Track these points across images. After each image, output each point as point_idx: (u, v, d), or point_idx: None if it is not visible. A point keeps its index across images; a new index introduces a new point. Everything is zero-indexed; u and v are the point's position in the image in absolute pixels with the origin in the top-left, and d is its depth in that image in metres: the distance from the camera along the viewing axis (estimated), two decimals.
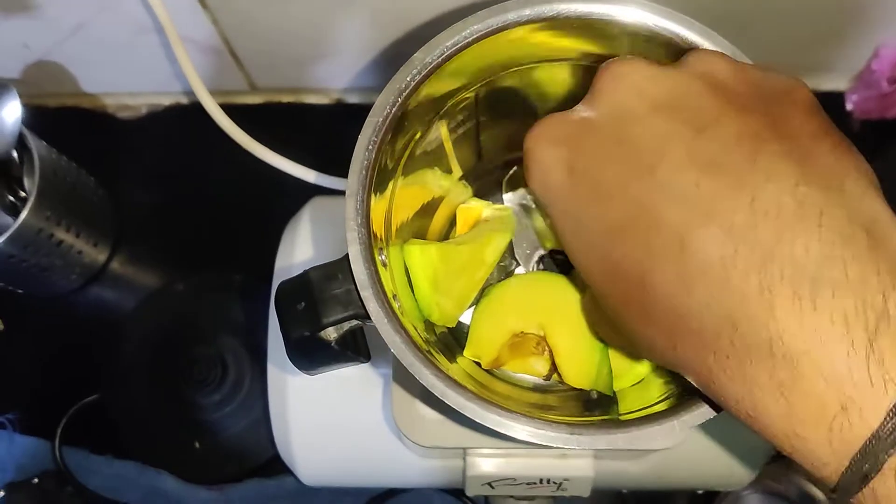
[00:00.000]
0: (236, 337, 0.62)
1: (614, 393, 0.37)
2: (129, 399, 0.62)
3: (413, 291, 0.36)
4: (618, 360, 0.37)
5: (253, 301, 0.62)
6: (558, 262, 0.40)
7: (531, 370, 0.38)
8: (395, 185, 0.35)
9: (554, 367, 0.38)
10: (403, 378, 0.42)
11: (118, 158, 0.66)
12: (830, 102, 0.64)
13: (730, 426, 0.47)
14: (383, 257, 0.33)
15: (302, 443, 0.50)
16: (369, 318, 0.31)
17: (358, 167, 0.31)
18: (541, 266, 0.40)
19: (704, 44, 0.32)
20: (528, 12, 0.33)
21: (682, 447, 0.48)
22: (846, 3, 0.53)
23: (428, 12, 0.52)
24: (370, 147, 0.32)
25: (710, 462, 0.49)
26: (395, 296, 0.32)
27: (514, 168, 0.41)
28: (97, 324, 0.64)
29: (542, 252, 0.40)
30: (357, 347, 0.36)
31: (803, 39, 0.59)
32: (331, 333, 0.33)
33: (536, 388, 0.39)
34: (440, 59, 0.33)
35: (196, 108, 0.63)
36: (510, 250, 0.41)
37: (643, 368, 0.37)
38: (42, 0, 0.54)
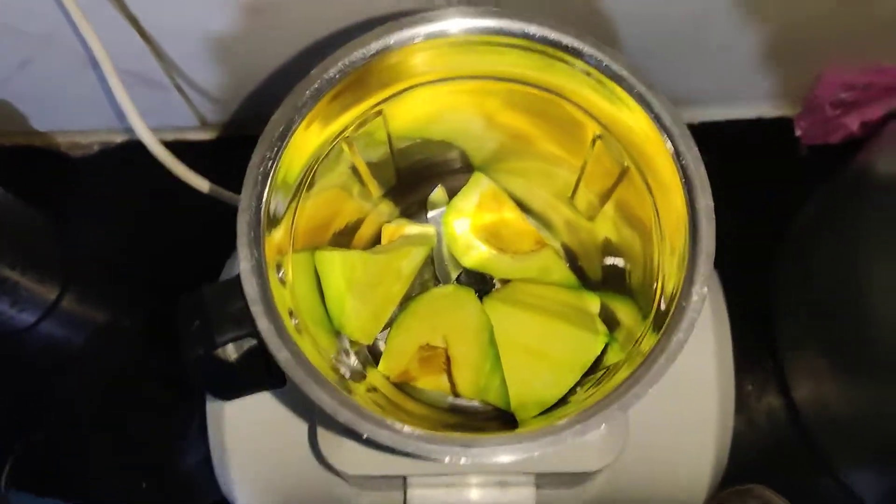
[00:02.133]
0: (184, 374, 0.61)
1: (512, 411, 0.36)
2: (76, 438, 0.61)
3: (324, 302, 0.36)
4: (522, 388, 0.36)
5: None
6: (474, 279, 0.40)
7: (440, 385, 0.38)
8: (298, 202, 0.35)
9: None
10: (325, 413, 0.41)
11: (70, 196, 0.66)
12: (780, 128, 0.64)
13: (673, 453, 0.47)
14: (281, 274, 0.32)
15: (241, 476, 0.49)
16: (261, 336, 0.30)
17: (251, 183, 0.31)
18: (460, 283, 0.40)
19: (581, 46, 0.32)
20: (422, 28, 0.33)
21: (626, 474, 0.47)
22: (788, 33, 0.53)
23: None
24: (266, 160, 0.31)
25: (656, 489, 0.48)
26: (291, 312, 0.31)
27: (438, 186, 0.41)
28: (46, 362, 0.63)
29: (460, 270, 0.40)
30: (269, 369, 0.35)
31: (749, 67, 0.59)
32: (231, 353, 0.32)
33: (455, 410, 0.38)
34: (336, 76, 0.32)
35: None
36: (432, 269, 0.40)
37: (548, 397, 0.36)
38: None
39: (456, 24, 0.33)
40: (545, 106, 0.36)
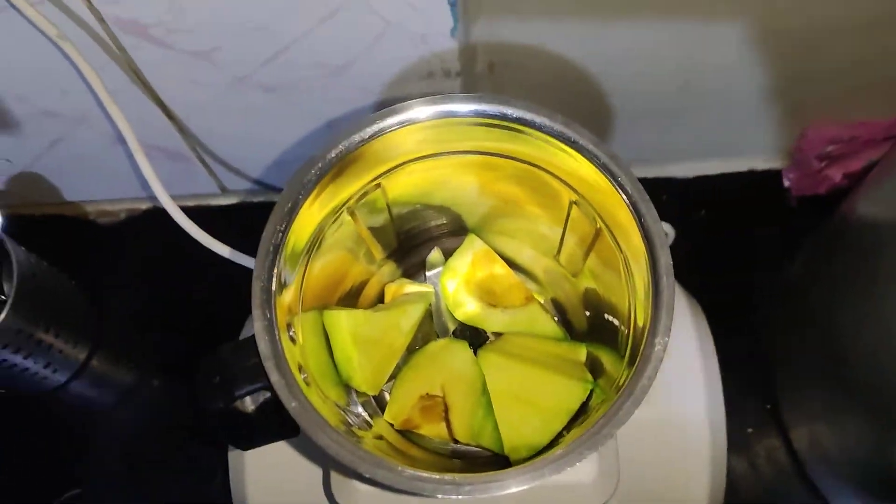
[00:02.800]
0: (209, 428, 0.65)
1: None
2: (109, 494, 0.65)
3: (332, 357, 0.40)
4: (513, 433, 0.40)
5: None
6: (467, 333, 0.44)
7: (440, 432, 0.42)
8: (307, 267, 0.39)
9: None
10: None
11: (99, 262, 0.71)
12: (768, 181, 0.67)
13: (665, 493, 0.50)
14: (291, 333, 0.37)
15: None
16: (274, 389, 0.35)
17: (264, 252, 0.36)
18: (456, 336, 0.44)
19: (551, 124, 0.37)
20: (413, 113, 0.38)
21: None
22: (771, 90, 0.57)
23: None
24: (276, 233, 0.36)
25: None
26: (300, 367, 0.36)
27: (435, 248, 0.46)
28: (78, 420, 0.67)
29: (456, 325, 0.45)
30: (283, 420, 0.39)
31: (736, 123, 0.63)
32: (249, 405, 0.36)
33: (456, 455, 0.42)
34: (336, 157, 0.37)
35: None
36: (431, 323, 0.45)
37: (538, 441, 0.40)
38: (21, 118, 0.59)
39: (439, 109, 0.38)
40: (526, 175, 0.41)
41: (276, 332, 0.35)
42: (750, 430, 0.63)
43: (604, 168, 0.37)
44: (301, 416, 0.34)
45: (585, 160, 0.37)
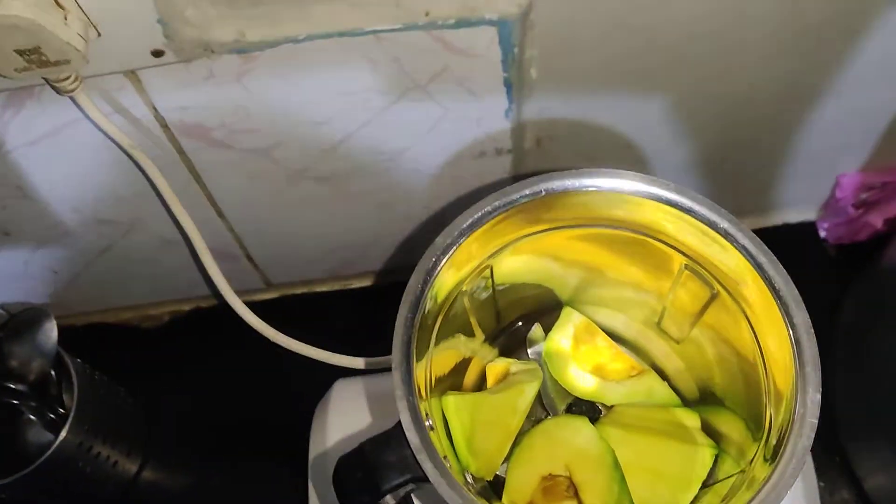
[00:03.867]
0: None
1: None
2: None
3: (452, 444, 0.39)
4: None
5: (290, 487, 0.63)
6: (581, 408, 0.44)
7: None
8: (431, 353, 0.39)
9: None
10: None
11: (145, 366, 0.69)
12: (803, 232, 0.68)
13: None
14: (430, 422, 0.36)
15: None
16: (425, 480, 0.34)
17: (400, 342, 0.35)
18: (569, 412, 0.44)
19: (680, 199, 0.37)
20: (527, 191, 0.38)
21: None
22: (802, 143, 0.58)
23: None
24: (407, 323, 0.36)
25: None
26: (445, 457, 0.35)
27: (536, 325, 0.46)
28: None
29: (569, 401, 0.44)
30: None
31: (769, 179, 0.64)
32: (389, 501, 0.35)
33: None
34: (453, 242, 0.37)
35: (216, 311, 0.67)
36: (539, 402, 0.44)
37: None
38: (74, 228, 0.58)
39: (570, 184, 0.38)
40: (634, 244, 0.41)
41: (422, 423, 0.34)
42: (821, 483, 0.62)
43: (725, 234, 0.37)
44: None
45: (706, 226, 0.37)
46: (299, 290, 0.71)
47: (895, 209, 0.65)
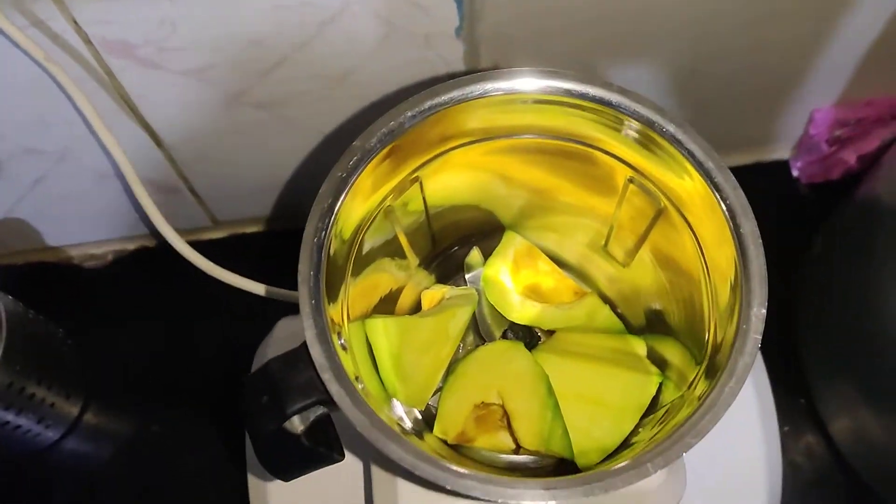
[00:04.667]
0: (218, 477, 0.61)
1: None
2: None
3: (377, 370, 0.36)
4: (583, 437, 0.37)
5: (232, 434, 0.60)
6: (519, 334, 0.40)
7: (499, 444, 0.38)
8: (348, 272, 0.35)
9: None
10: (383, 478, 0.41)
11: (87, 307, 0.66)
12: (777, 171, 0.66)
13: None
14: (342, 341, 0.33)
15: None
16: (333, 403, 0.31)
17: (308, 254, 0.32)
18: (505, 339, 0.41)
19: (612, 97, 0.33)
20: (457, 93, 0.34)
21: None
22: (776, 76, 0.56)
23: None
24: (318, 234, 0.32)
25: None
26: (357, 378, 0.32)
27: (474, 248, 0.43)
28: (74, 479, 0.62)
29: (505, 327, 0.41)
30: (328, 443, 0.35)
31: (742, 115, 0.61)
32: (297, 425, 0.32)
33: (513, 468, 0.38)
34: (377, 145, 0.34)
35: (162, 250, 0.64)
36: (475, 329, 0.41)
37: (610, 443, 0.37)
38: (1, 158, 0.55)
39: (490, 87, 0.35)
40: (575, 157, 0.38)
41: (330, 340, 0.31)
42: (786, 428, 0.60)
43: (671, 138, 0.34)
44: (368, 428, 0.30)
45: (651, 132, 0.34)
46: (248, 230, 0.68)
47: (869, 146, 0.63)
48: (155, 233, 0.65)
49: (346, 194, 0.34)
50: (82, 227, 0.65)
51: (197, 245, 0.57)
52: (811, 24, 0.51)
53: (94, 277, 0.67)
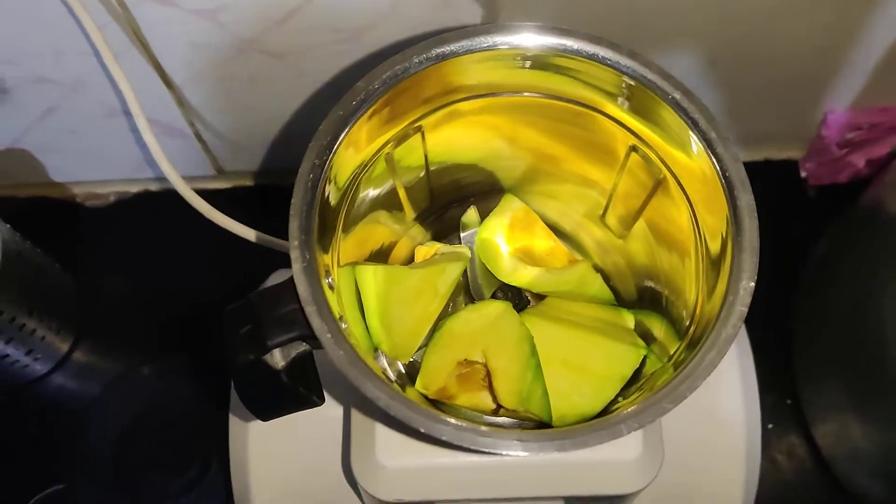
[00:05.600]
0: (204, 420, 0.61)
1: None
2: (93, 489, 0.60)
3: (364, 319, 0.36)
4: (563, 401, 0.36)
5: (222, 382, 0.60)
6: (508, 296, 0.40)
7: (479, 403, 0.38)
8: (342, 216, 0.35)
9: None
10: (361, 423, 0.40)
11: (86, 246, 0.66)
12: (785, 171, 0.65)
13: (704, 481, 0.46)
14: (330, 280, 0.32)
15: (263, 497, 0.47)
16: (315, 338, 0.30)
17: (302, 189, 0.32)
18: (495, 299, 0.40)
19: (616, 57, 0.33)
20: (466, 43, 0.34)
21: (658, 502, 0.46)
22: (792, 74, 0.55)
23: None
24: (314, 171, 0.32)
25: None
26: (341, 317, 0.32)
27: (471, 207, 0.42)
28: (61, 413, 0.62)
29: (495, 287, 0.40)
30: (308, 385, 0.35)
31: (757, 110, 0.60)
32: (278, 360, 0.32)
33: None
34: (381, 88, 0.33)
35: (165, 195, 0.64)
36: (466, 289, 0.41)
37: (589, 410, 0.36)
38: (11, 85, 0.55)
39: (499, 40, 0.34)
40: (579, 121, 0.37)
41: (317, 275, 0.31)
42: (770, 425, 0.60)
43: (674, 104, 0.33)
44: (346, 364, 0.29)
45: (654, 96, 0.33)
46: (253, 182, 0.68)
47: (880, 151, 0.62)
48: (158, 177, 0.65)
49: (346, 134, 0.33)
50: (87, 165, 0.65)
51: (200, 193, 0.57)
52: (833, 20, 0.50)
53: (94, 216, 0.67)
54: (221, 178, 0.67)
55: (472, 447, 0.28)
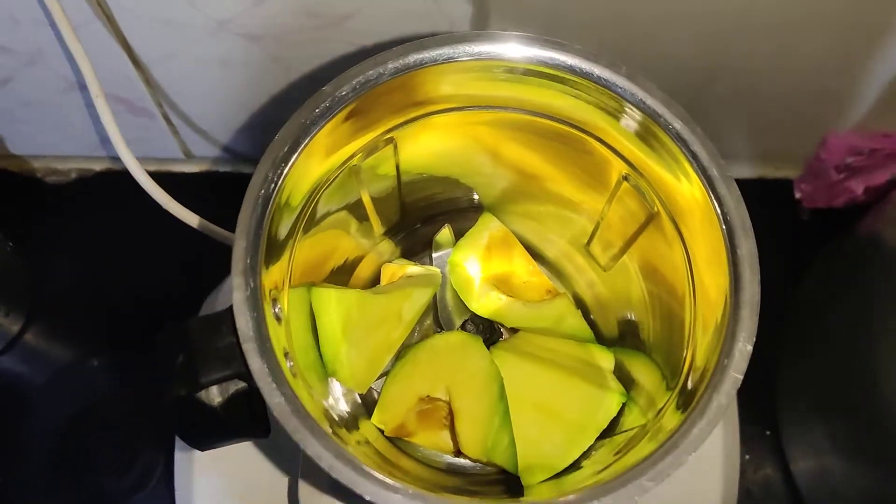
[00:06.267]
0: (152, 420, 0.57)
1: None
2: (29, 483, 0.56)
3: (318, 345, 0.32)
4: (531, 450, 0.33)
5: None
6: (480, 328, 0.36)
7: (440, 444, 0.34)
8: (298, 231, 0.31)
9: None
10: (312, 468, 0.36)
11: (42, 225, 0.62)
12: (779, 191, 0.62)
13: None
14: (278, 309, 0.28)
15: None
16: (252, 379, 0.26)
17: (251, 205, 0.27)
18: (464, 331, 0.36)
19: (614, 78, 0.29)
20: (447, 50, 0.30)
21: None
22: (796, 91, 0.51)
23: None
24: (268, 182, 0.28)
25: None
26: (287, 354, 0.28)
27: (445, 226, 0.38)
28: (3, 400, 0.58)
29: (466, 317, 0.36)
30: (253, 416, 0.31)
31: (754, 127, 0.57)
32: (214, 396, 0.28)
33: (452, 471, 0.34)
34: (350, 94, 0.29)
35: (128, 176, 0.59)
36: (434, 315, 0.37)
37: (559, 462, 0.32)
38: None
39: (484, 50, 0.30)
40: (568, 142, 0.33)
41: (261, 307, 0.27)
42: (747, 456, 0.57)
43: (675, 136, 0.29)
44: (286, 416, 0.25)
45: (654, 125, 0.29)
46: (223, 168, 0.63)
47: (879, 179, 0.59)
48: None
49: (308, 144, 0.29)
50: (47, 139, 0.61)
51: (166, 177, 0.53)
52: (840, 38, 0.46)
53: (54, 194, 0.63)
54: (190, 162, 0.62)
55: None
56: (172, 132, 0.59)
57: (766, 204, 0.62)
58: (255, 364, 0.26)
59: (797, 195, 0.62)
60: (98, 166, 0.63)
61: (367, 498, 0.24)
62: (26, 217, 0.62)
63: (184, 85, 0.53)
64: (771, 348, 0.57)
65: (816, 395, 0.51)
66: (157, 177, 0.51)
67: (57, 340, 0.60)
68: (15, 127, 0.59)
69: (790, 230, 0.62)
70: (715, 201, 0.29)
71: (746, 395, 0.48)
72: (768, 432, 0.57)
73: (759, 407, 0.56)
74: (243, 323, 0.26)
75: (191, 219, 0.50)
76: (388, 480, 0.24)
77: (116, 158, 0.61)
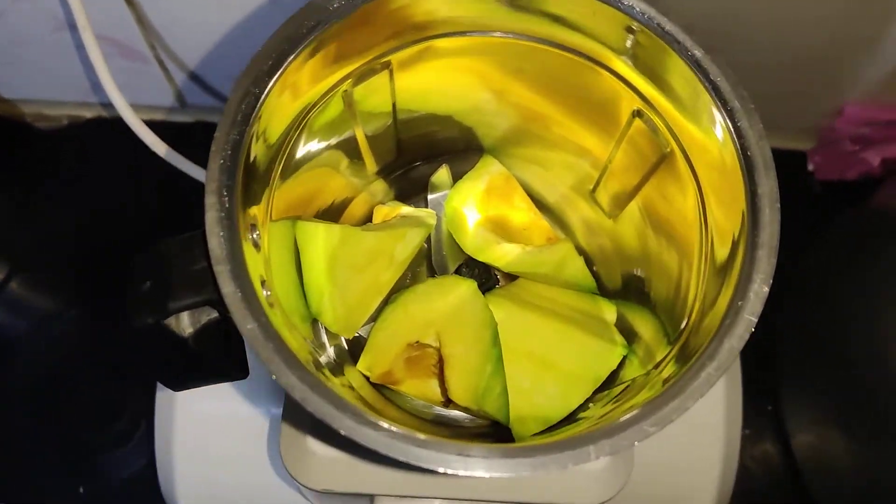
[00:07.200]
0: (136, 372, 0.55)
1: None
2: (8, 434, 0.54)
3: (302, 283, 0.29)
4: (524, 401, 0.30)
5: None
6: (476, 273, 0.34)
7: (428, 393, 0.31)
8: (281, 160, 0.28)
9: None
10: (293, 408, 0.34)
11: (31, 171, 0.59)
12: (792, 162, 0.60)
13: (674, 493, 0.41)
14: (256, 236, 0.26)
15: (186, 483, 0.42)
16: (224, 305, 0.24)
17: (230, 120, 0.25)
18: (459, 275, 0.34)
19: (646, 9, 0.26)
20: None
21: None
22: (813, 56, 0.49)
23: None
24: (249, 96, 0.25)
25: None
26: (263, 282, 0.25)
27: (443, 166, 0.36)
28: None
29: (461, 261, 0.34)
30: (228, 354, 0.29)
31: (770, 93, 0.54)
32: (185, 326, 0.26)
33: (440, 422, 0.32)
34: (345, 6, 0.27)
35: (120, 123, 0.57)
36: (428, 260, 0.34)
37: (553, 414, 0.30)
38: None
39: None
40: (577, 74, 0.30)
41: (236, 228, 0.24)
42: (747, 430, 0.55)
43: (695, 64, 0.26)
44: (258, 342, 0.23)
45: (671, 51, 0.27)
46: (217, 119, 0.61)
47: (895, 150, 0.56)
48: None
49: (294, 59, 0.27)
50: (36, 83, 0.58)
51: (158, 125, 0.51)
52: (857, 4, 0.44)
53: (44, 140, 0.61)
54: (184, 111, 0.60)
55: (403, 459, 0.22)
56: (167, 78, 0.56)
57: (778, 175, 0.60)
58: (228, 288, 0.23)
59: (810, 167, 0.60)
60: (89, 113, 0.61)
61: (343, 433, 0.22)
62: (14, 163, 0.60)
63: (179, 25, 0.51)
64: (775, 316, 0.55)
65: (817, 369, 0.50)
66: (150, 125, 0.49)
67: (43, 288, 0.58)
68: (4, 69, 0.57)
69: (801, 202, 0.60)
70: (734, 136, 0.26)
71: (748, 367, 0.46)
72: (770, 407, 0.55)
73: (760, 380, 0.55)
74: (216, 244, 0.24)
75: (185, 166, 0.48)
76: (366, 415, 0.22)
77: (108, 105, 0.59)
